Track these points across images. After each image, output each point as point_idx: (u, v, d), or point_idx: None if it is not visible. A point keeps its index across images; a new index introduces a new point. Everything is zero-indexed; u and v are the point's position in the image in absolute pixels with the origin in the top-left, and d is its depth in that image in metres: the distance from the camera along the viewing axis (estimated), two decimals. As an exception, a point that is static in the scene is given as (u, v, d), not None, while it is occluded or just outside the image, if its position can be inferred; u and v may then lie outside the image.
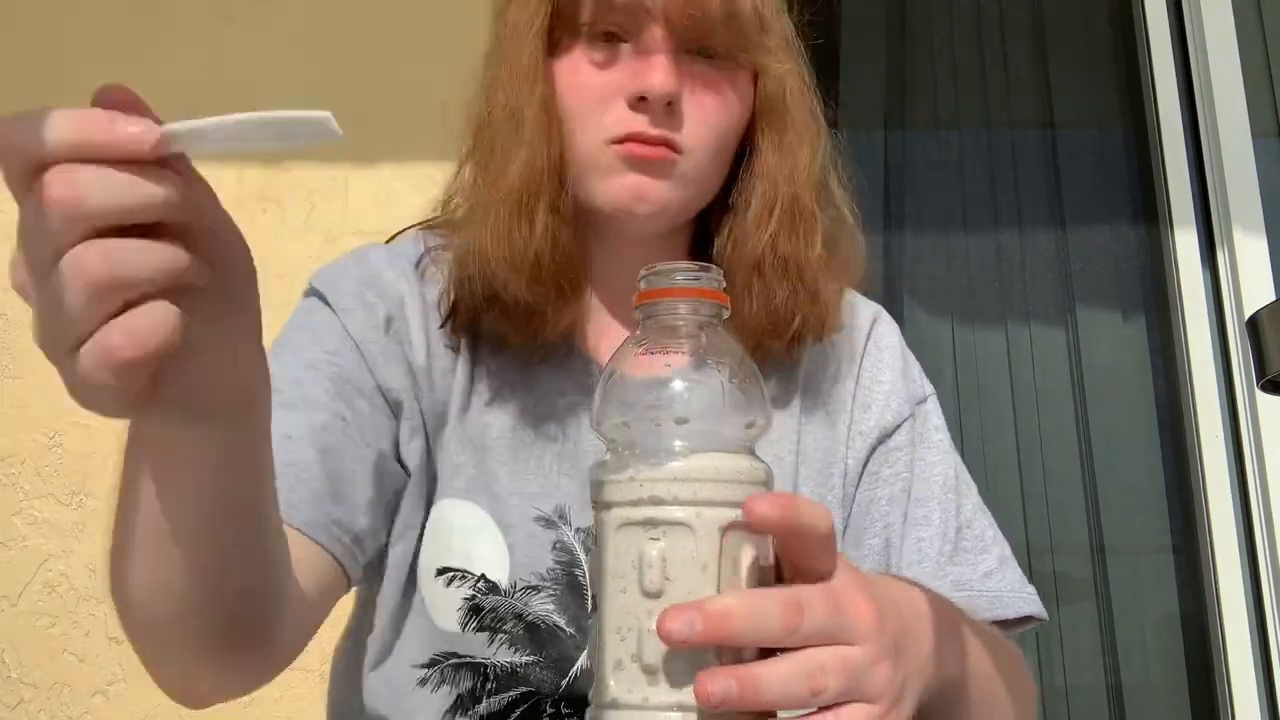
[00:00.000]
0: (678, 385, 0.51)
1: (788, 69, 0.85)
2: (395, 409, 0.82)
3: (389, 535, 0.82)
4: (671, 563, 0.49)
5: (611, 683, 0.49)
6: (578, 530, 0.81)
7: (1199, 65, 2.14)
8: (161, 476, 0.52)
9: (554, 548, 0.80)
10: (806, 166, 0.85)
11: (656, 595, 0.49)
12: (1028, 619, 0.85)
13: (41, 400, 1.71)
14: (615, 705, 0.49)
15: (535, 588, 0.79)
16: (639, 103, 0.79)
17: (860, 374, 0.91)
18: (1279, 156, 2.12)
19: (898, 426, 0.90)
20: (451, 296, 0.84)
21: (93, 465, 1.68)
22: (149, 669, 0.68)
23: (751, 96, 0.85)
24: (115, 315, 0.42)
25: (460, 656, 0.79)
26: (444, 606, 0.79)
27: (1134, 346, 2.10)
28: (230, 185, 1.78)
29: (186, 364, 0.46)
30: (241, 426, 0.52)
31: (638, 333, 0.54)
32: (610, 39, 0.81)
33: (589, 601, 0.78)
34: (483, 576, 0.79)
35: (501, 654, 0.78)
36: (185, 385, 0.47)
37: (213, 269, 0.45)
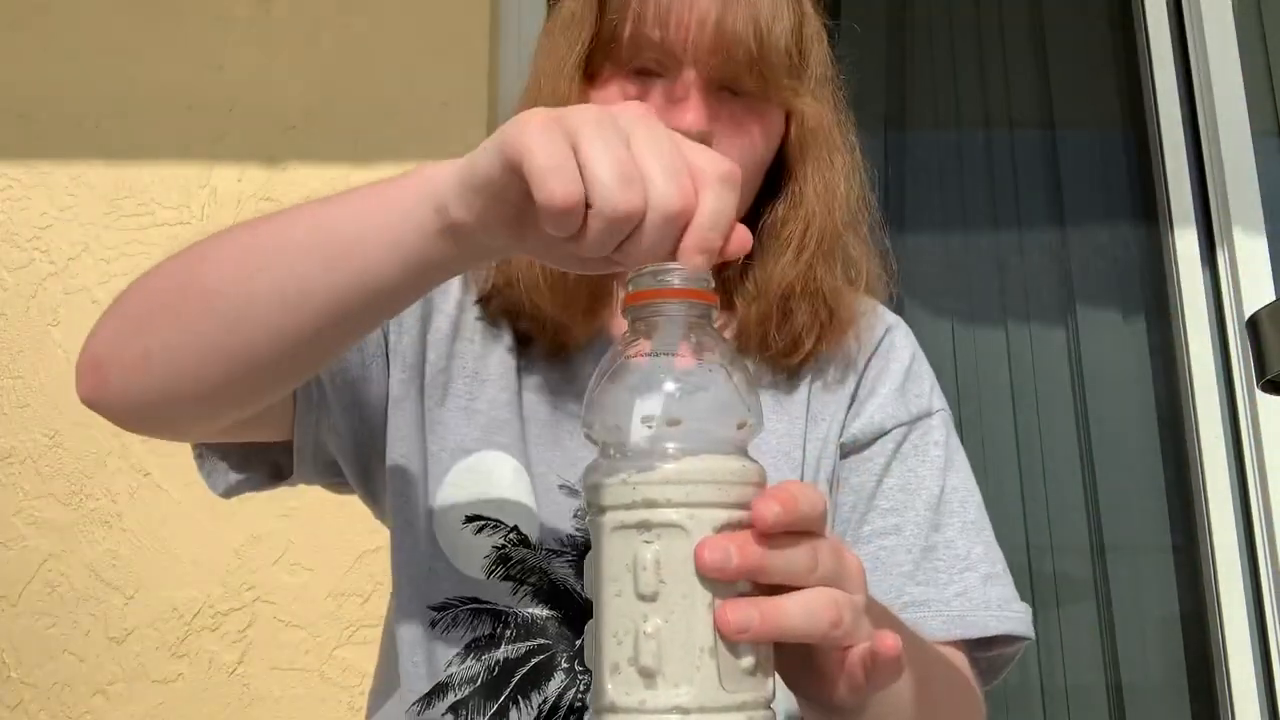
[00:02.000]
0: (669, 387, 0.51)
1: (821, 105, 0.90)
2: (390, 355, 0.86)
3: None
4: (666, 565, 0.49)
5: (609, 686, 0.49)
6: None
7: (1199, 65, 2.13)
8: (402, 215, 0.60)
9: (575, 515, 0.84)
10: (843, 198, 0.90)
11: (652, 598, 0.49)
12: (1011, 639, 0.85)
13: (41, 400, 1.71)
14: (613, 709, 0.49)
15: (557, 551, 0.82)
16: None
17: (861, 384, 0.93)
18: (1279, 156, 2.12)
19: (877, 438, 0.91)
20: (489, 299, 0.89)
21: (92, 465, 1.68)
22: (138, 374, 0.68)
23: (782, 129, 0.89)
24: None
25: (481, 602, 0.82)
26: (469, 553, 0.82)
27: (1134, 346, 2.10)
28: (230, 185, 1.78)
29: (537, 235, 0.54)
30: (455, 266, 0.63)
31: (627, 334, 0.53)
32: (646, 74, 0.84)
33: None
34: (515, 528, 0.82)
35: (524, 604, 0.81)
36: (524, 224, 0.56)
37: None
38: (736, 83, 0.84)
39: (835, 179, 0.90)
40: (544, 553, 0.82)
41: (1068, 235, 2.14)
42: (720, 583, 0.49)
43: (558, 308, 0.85)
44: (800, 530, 0.50)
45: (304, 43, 1.84)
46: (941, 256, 2.13)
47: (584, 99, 0.84)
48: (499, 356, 0.89)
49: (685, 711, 0.48)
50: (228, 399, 0.68)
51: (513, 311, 0.88)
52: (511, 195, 0.54)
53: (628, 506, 0.50)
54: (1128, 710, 1.96)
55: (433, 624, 0.82)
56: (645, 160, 0.50)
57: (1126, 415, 2.07)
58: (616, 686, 0.49)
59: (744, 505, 0.50)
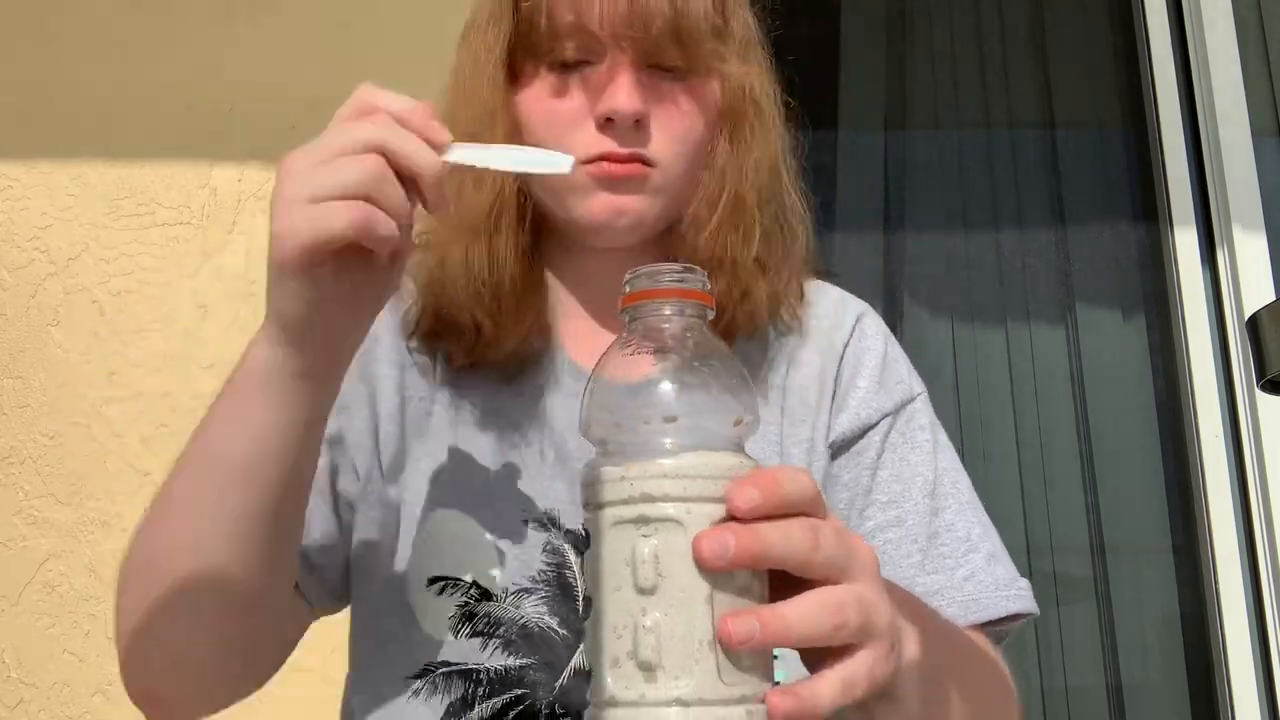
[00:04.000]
0: (665, 385, 0.52)
1: (746, 70, 0.86)
2: (347, 424, 0.86)
3: (346, 558, 0.86)
4: (664, 559, 0.49)
5: (609, 680, 0.50)
6: (567, 532, 0.81)
7: (1199, 65, 2.14)
8: (263, 405, 0.67)
9: (544, 550, 0.81)
10: (756, 164, 0.86)
11: (650, 592, 0.49)
12: (1018, 615, 0.85)
13: (41, 400, 1.71)
14: (613, 703, 0.49)
15: (527, 590, 0.80)
16: (606, 124, 0.80)
17: (840, 376, 0.91)
18: (1279, 156, 2.12)
19: (865, 432, 0.89)
20: (415, 314, 0.87)
21: (92, 465, 1.68)
22: (130, 663, 0.76)
23: (720, 99, 0.86)
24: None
25: (451, 664, 0.80)
26: (435, 615, 0.80)
27: (1134, 346, 2.10)
28: (230, 185, 1.78)
29: (349, 289, 0.66)
30: (327, 396, 0.70)
31: (624, 334, 0.54)
32: (572, 64, 0.82)
33: (580, 603, 0.79)
34: (474, 584, 0.80)
35: (495, 658, 0.79)
36: (338, 297, 0.65)
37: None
38: (661, 57, 0.81)
39: (752, 145, 0.86)
40: (511, 598, 0.80)
41: (1068, 235, 2.14)
42: (720, 575, 0.49)
43: (486, 314, 0.83)
44: (795, 513, 0.50)
45: (304, 43, 1.84)
46: (941, 256, 2.14)
47: (508, 101, 0.83)
48: (444, 402, 0.86)
49: (685, 704, 0.48)
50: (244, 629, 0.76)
51: (443, 332, 0.86)
52: (325, 279, 0.64)
53: (625, 502, 0.50)
54: (1128, 710, 1.96)
55: (415, 693, 0.80)
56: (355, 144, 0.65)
57: (1126, 415, 2.07)
58: (616, 680, 0.49)
59: None
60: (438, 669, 0.80)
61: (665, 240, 0.87)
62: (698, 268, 0.55)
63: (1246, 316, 1.40)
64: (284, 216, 0.63)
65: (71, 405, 1.70)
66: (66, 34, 1.85)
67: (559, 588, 0.80)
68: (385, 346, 0.88)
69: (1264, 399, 1.94)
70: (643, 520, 0.50)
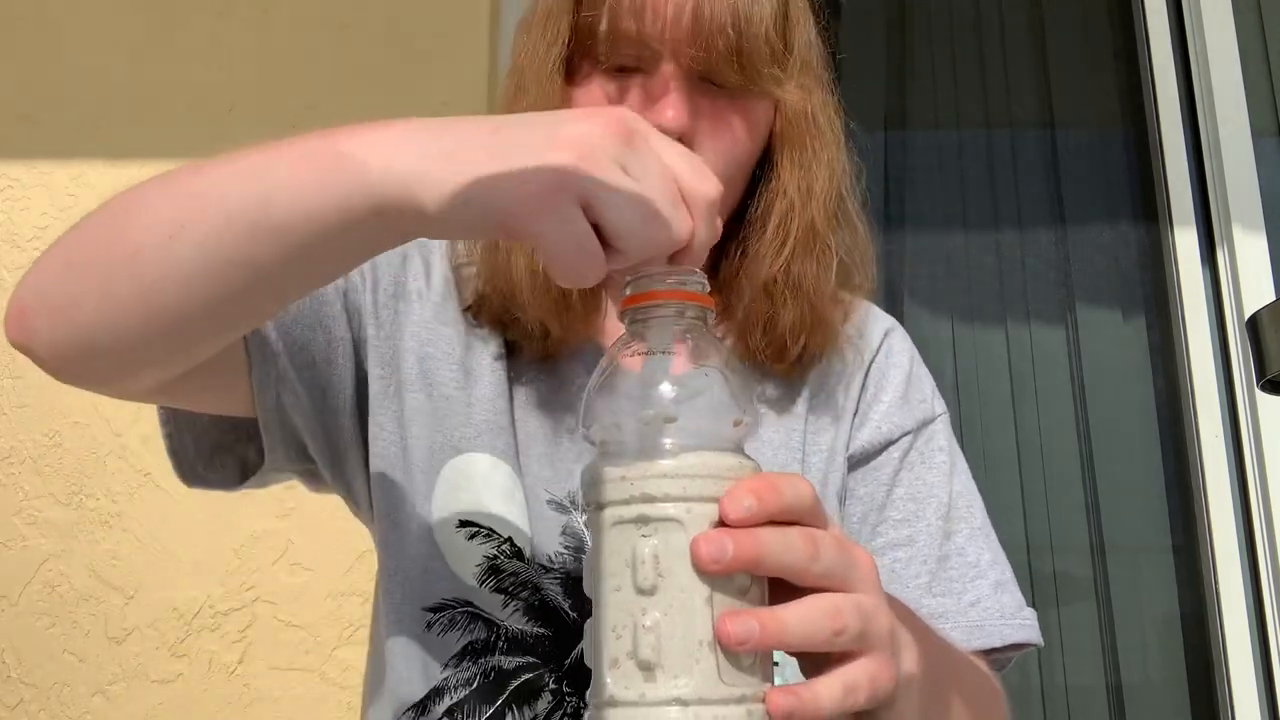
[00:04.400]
0: (666, 385, 0.52)
1: (805, 93, 0.85)
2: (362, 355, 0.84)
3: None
4: (664, 559, 0.49)
5: (609, 680, 0.50)
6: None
7: (1199, 65, 2.14)
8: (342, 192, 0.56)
9: (563, 533, 0.81)
10: (824, 189, 0.86)
11: (650, 592, 0.49)
12: (1021, 645, 0.85)
13: (41, 400, 1.71)
14: (613, 703, 0.49)
15: (545, 568, 0.80)
16: None
17: (864, 391, 0.91)
18: (1279, 156, 2.12)
19: (885, 448, 0.89)
20: (477, 296, 0.86)
21: (93, 465, 1.68)
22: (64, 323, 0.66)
23: (770, 119, 0.85)
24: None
25: (475, 607, 0.80)
26: (462, 558, 0.80)
27: (1134, 346, 2.10)
28: (230, 185, 1.78)
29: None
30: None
31: (625, 335, 0.55)
32: (626, 71, 0.81)
33: None
34: (510, 540, 0.80)
35: (514, 619, 0.79)
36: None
37: None
38: (717, 75, 0.80)
39: (818, 170, 0.86)
40: (536, 567, 0.80)
41: (1068, 235, 2.14)
42: (718, 577, 0.49)
43: (550, 315, 0.82)
44: (792, 520, 0.50)
45: (304, 43, 1.84)
46: (941, 256, 2.14)
47: (566, 100, 0.82)
48: (487, 360, 0.86)
49: (684, 704, 0.48)
50: (150, 353, 0.65)
51: (501, 319, 0.86)
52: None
53: (625, 502, 0.50)
54: (1128, 710, 1.96)
55: (428, 625, 0.80)
56: (652, 194, 0.52)
57: (1126, 415, 2.07)
58: (616, 680, 0.49)
59: None
60: (459, 607, 0.79)
61: (729, 261, 0.86)
62: (697, 270, 0.55)
63: (1246, 316, 1.40)
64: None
65: (71, 405, 1.70)
66: (66, 34, 1.85)
67: (574, 571, 0.80)
68: (434, 279, 0.87)
69: (1264, 399, 1.93)
70: (643, 520, 0.50)
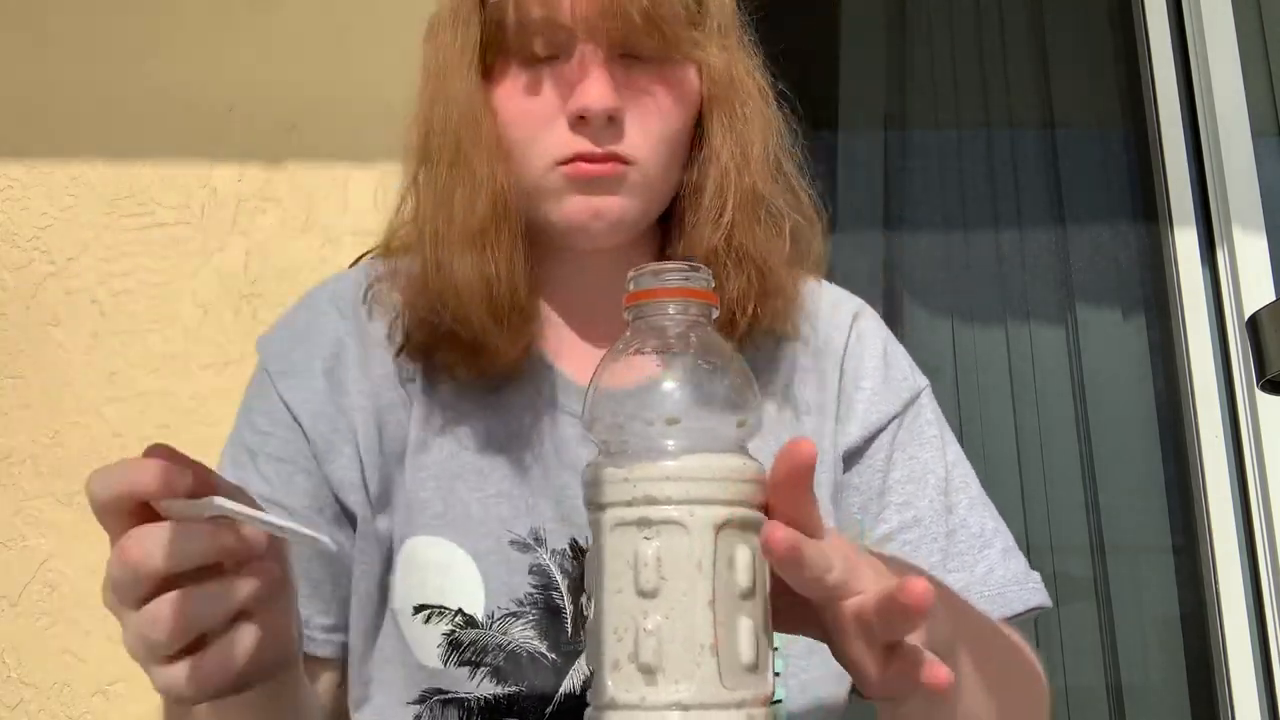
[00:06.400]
0: (669, 385, 0.51)
1: (729, 54, 0.82)
2: (334, 468, 0.81)
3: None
4: (666, 561, 0.49)
5: (609, 683, 0.50)
6: (553, 552, 0.79)
7: (1199, 65, 2.14)
8: None
9: (530, 571, 0.79)
10: (760, 151, 0.82)
11: (652, 595, 0.49)
12: (1035, 608, 0.85)
13: (41, 400, 1.71)
14: (613, 705, 0.49)
15: (514, 614, 0.78)
16: (579, 122, 0.77)
17: (843, 380, 0.88)
18: (1279, 156, 2.12)
19: (875, 436, 0.87)
20: (403, 328, 0.83)
21: (93, 465, 1.68)
22: None
23: (697, 87, 0.81)
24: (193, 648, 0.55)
25: (445, 692, 0.78)
26: (425, 643, 0.78)
27: (1134, 346, 2.10)
28: (230, 185, 1.78)
29: (252, 661, 0.57)
30: (284, 676, 0.63)
31: (628, 334, 0.54)
32: (542, 60, 0.79)
33: (569, 624, 0.78)
34: (459, 611, 0.78)
35: (484, 687, 0.77)
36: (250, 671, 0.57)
37: (268, 580, 0.56)
38: (636, 45, 0.77)
39: (751, 134, 0.82)
40: (499, 622, 0.77)
41: (1068, 235, 2.14)
42: (721, 578, 0.49)
43: (483, 318, 0.78)
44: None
45: (304, 43, 1.84)
46: (941, 256, 2.13)
47: (486, 103, 0.80)
48: (426, 422, 0.82)
49: (685, 708, 0.48)
50: None
51: (429, 339, 0.81)
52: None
53: (628, 504, 0.50)
54: (1128, 710, 1.96)
55: (417, 718, 0.79)
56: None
57: (1126, 415, 2.07)
58: (617, 683, 0.49)
59: (743, 502, 0.50)
60: (433, 696, 0.78)
61: (672, 237, 0.84)
62: (702, 266, 0.55)
63: (1246, 316, 1.40)
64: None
65: (71, 405, 1.70)
66: (66, 34, 1.85)
67: (546, 610, 0.78)
68: (353, 369, 0.83)
69: (1264, 399, 1.93)
70: (645, 522, 0.49)
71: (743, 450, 0.53)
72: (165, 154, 1.80)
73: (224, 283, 1.76)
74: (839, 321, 0.91)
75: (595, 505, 0.52)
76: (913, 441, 0.88)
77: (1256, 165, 2.07)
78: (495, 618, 0.78)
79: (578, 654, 0.78)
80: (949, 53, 2.22)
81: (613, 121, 0.77)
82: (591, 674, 0.51)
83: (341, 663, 0.83)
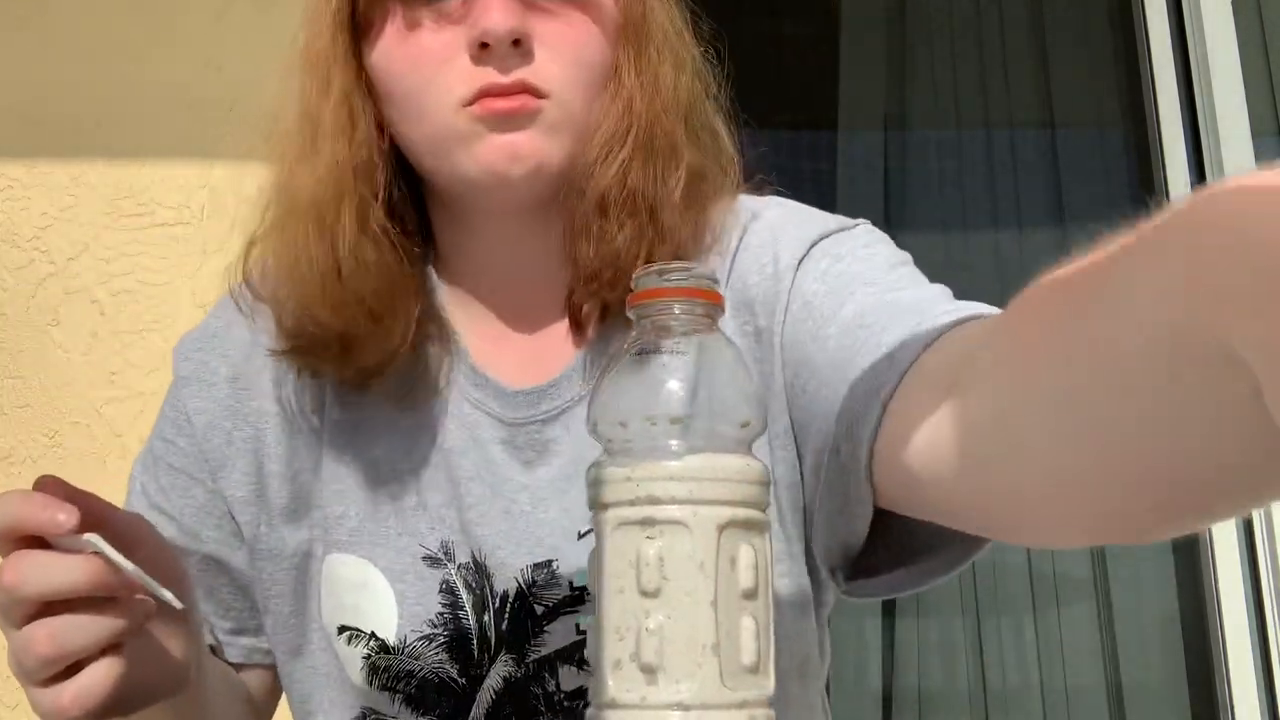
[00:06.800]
0: (673, 385, 0.51)
1: None
2: (226, 483, 0.78)
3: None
4: (669, 562, 0.49)
5: (610, 682, 0.49)
6: (460, 566, 0.74)
7: (1199, 65, 2.14)
8: None
9: (441, 589, 0.74)
10: (670, 87, 0.73)
11: (654, 594, 0.49)
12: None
13: (41, 400, 1.71)
14: (614, 705, 0.49)
15: (428, 637, 0.73)
16: (482, 51, 0.67)
17: (729, 286, 0.74)
18: (1279, 156, 2.12)
19: (781, 298, 0.72)
20: (276, 330, 0.76)
21: (92, 465, 1.68)
22: None
23: (614, 17, 0.72)
24: (68, 672, 0.56)
25: (378, 714, 0.76)
26: (353, 663, 0.75)
27: (1134, 346, 2.10)
28: (230, 185, 1.78)
29: (129, 688, 0.58)
30: (176, 698, 0.64)
31: (632, 333, 0.54)
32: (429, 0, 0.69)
33: (474, 648, 0.74)
34: (373, 635, 0.74)
35: (403, 714, 0.74)
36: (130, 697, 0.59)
37: (142, 614, 0.58)
38: None
39: (659, 65, 0.72)
40: (411, 646, 0.73)
41: (1068, 235, 2.14)
42: (723, 579, 0.49)
43: (349, 317, 0.71)
44: None
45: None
46: (941, 256, 2.13)
47: (354, 53, 0.73)
48: (335, 428, 0.76)
49: (686, 708, 0.48)
50: None
51: (307, 346, 0.74)
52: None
53: (631, 503, 0.50)
54: (1128, 710, 1.96)
55: None
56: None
57: (1126, 415, 2.07)
58: (618, 683, 0.49)
59: (746, 502, 0.50)
60: (369, 715, 0.76)
61: (568, 190, 0.72)
62: (705, 266, 0.55)
63: (1247, 317, 1.40)
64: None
65: (71, 405, 1.70)
66: (66, 34, 1.85)
67: (455, 631, 0.73)
68: (266, 373, 0.78)
69: (1264, 399, 1.93)
70: (648, 522, 0.49)
71: (747, 450, 0.53)
72: (165, 154, 1.80)
73: (224, 283, 1.76)
74: (730, 235, 0.76)
75: (598, 504, 0.51)
76: (836, 263, 0.73)
77: (1256, 165, 2.06)
78: (407, 642, 0.73)
79: (483, 679, 0.74)
80: (949, 53, 2.22)
81: (519, 46, 0.68)
82: (593, 672, 0.52)
83: (266, 668, 0.82)
